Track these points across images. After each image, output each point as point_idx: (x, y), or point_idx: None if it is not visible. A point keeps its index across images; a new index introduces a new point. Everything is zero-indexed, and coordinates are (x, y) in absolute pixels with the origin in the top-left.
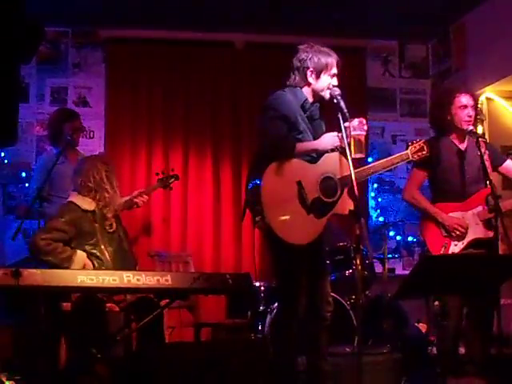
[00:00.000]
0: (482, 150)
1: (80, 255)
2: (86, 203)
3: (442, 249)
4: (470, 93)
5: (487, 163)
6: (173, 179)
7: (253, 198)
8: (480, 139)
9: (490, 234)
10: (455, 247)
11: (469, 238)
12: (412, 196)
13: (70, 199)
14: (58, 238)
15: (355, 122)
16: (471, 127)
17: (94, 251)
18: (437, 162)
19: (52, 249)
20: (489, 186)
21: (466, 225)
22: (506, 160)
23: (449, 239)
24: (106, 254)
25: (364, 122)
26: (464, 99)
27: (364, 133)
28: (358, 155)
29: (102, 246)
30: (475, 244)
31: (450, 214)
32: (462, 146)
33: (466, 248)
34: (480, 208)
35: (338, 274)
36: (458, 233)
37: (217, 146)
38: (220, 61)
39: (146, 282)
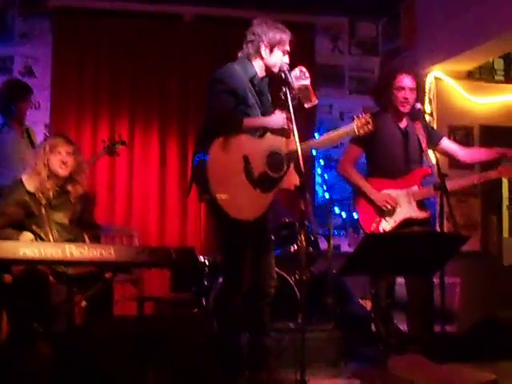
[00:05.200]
0: (420, 130)
1: (25, 236)
2: (31, 184)
3: (373, 225)
4: (412, 74)
5: (423, 144)
6: (119, 145)
7: (199, 173)
8: (417, 120)
9: (423, 214)
10: (386, 224)
11: (401, 216)
12: (345, 170)
13: (21, 176)
14: (3, 224)
15: (296, 72)
16: (419, 105)
17: (39, 232)
18: (375, 137)
19: None
20: (425, 166)
21: (395, 201)
22: (441, 138)
23: (380, 216)
24: (50, 236)
25: (304, 70)
26: (402, 80)
27: (308, 81)
28: (309, 104)
29: (48, 228)
30: (408, 224)
31: (384, 191)
32: (402, 124)
33: (398, 227)
34: (415, 188)
35: (282, 249)
36: (387, 208)
37: (163, 120)
38: (168, 34)
39: (88, 255)
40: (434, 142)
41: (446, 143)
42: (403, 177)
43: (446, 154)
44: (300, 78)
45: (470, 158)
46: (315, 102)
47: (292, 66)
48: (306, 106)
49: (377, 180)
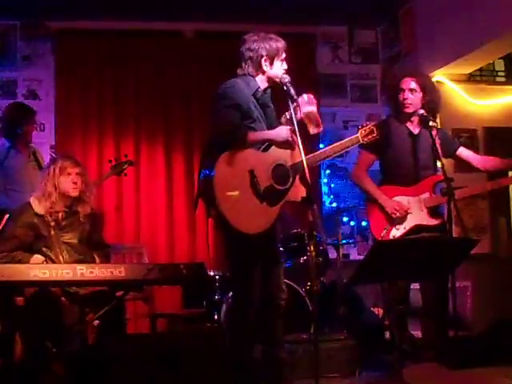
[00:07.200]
0: (433, 136)
1: (36, 258)
2: (39, 206)
3: (384, 232)
4: (413, 76)
5: (438, 149)
6: (126, 165)
7: (205, 188)
8: (431, 124)
9: (434, 221)
10: (397, 231)
11: (411, 223)
12: (357, 177)
13: (29, 199)
14: (14, 247)
15: (304, 97)
16: (422, 111)
17: (49, 254)
18: (386, 144)
19: (10, 259)
20: (438, 173)
21: (406, 208)
22: (459, 148)
23: (390, 223)
24: (60, 257)
25: (312, 96)
26: (403, 82)
27: (314, 107)
28: (316, 130)
29: (58, 250)
30: (419, 230)
31: (396, 198)
32: (415, 130)
33: (408, 233)
34: (426, 195)
35: (292, 261)
36: (397, 215)
37: (168, 136)
38: (169, 50)
39: (99, 275)
40: (450, 152)
41: (462, 151)
42: (415, 184)
43: (461, 161)
44: (308, 103)
45: (485, 166)
46: (320, 129)
47: (294, 77)
48: (311, 131)
49: (389, 187)
